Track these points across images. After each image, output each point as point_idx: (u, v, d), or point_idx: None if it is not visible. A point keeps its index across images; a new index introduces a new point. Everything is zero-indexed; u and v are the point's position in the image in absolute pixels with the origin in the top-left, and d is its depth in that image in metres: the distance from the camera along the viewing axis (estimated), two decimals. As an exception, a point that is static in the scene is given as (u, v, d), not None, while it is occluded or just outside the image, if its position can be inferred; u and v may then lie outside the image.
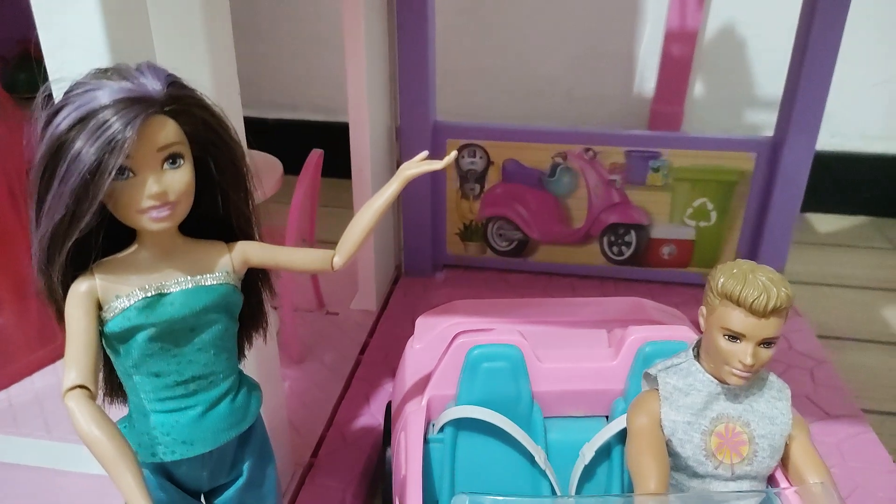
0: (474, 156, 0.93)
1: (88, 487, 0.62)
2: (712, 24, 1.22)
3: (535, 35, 1.28)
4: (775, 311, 0.41)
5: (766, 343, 0.42)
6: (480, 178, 0.94)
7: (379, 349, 0.82)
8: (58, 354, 0.79)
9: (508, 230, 0.96)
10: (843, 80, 1.12)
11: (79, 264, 0.34)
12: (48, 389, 0.74)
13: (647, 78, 1.27)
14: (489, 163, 0.93)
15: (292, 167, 0.86)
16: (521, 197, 0.94)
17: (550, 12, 1.26)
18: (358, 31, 0.79)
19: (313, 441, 0.69)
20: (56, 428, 0.68)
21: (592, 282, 0.96)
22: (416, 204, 0.95)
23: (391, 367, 0.78)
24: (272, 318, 0.45)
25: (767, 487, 0.45)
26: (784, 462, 0.46)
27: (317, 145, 0.83)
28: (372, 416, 0.72)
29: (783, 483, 0.45)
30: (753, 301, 0.41)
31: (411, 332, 0.63)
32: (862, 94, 1.23)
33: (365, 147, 0.85)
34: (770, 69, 1.22)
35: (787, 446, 0.46)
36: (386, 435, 0.61)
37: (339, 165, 0.96)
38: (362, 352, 0.83)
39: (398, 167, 0.42)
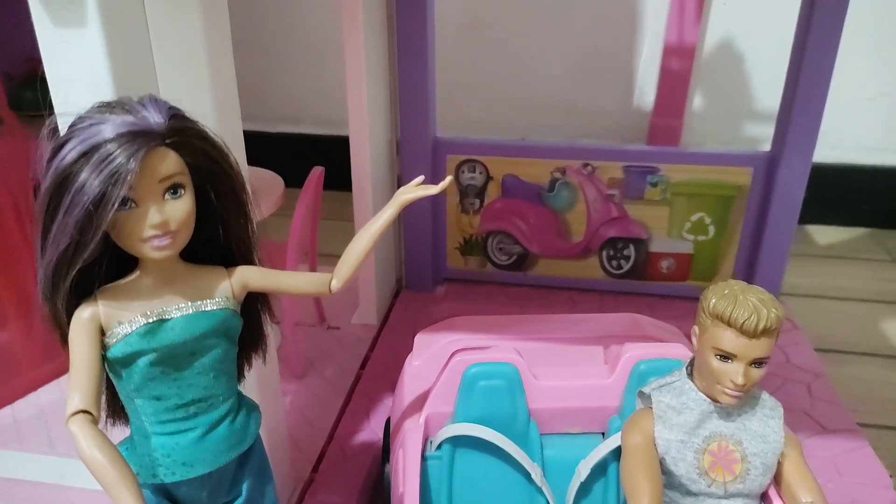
0: (474, 171, 0.94)
1: (91, 503, 0.63)
2: (710, 39, 1.23)
3: (535, 49, 1.29)
4: (766, 332, 0.42)
5: (758, 363, 0.43)
6: (480, 192, 0.95)
7: (379, 363, 0.83)
8: (62, 370, 0.80)
9: (508, 244, 0.97)
10: (841, 93, 1.13)
11: (82, 291, 0.35)
12: (53, 405, 0.74)
13: (646, 91, 1.28)
14: (489, 178, 0.94)
15: (294, 180, 0.87)
16: (521, 211, 0.95)
17: (550, 27, 1.27)
18: (358, 46, 0.80)
19: (314, 456, 0.70)
20: (59, 443, 0.69)
21: (592, 295, 0.97)
22: (416, 218, 0.96)
23: (391, 382, 0.79)
24: (273, 333, 0.46)
25: (759, 505, 0.45)
26: (777, 480, 0.47)
27: (319, 158, 0.84)
28: (372, 430, 0.73)
29: (776, 501, 0.46)
30: (744, 322, 0.42)
31: (412, 347, 0.64)
32: (860, 106, 1.24)
33: (365, 161, 0.86)
34: (769, 82, 1.23)
35: (779, 464, 0.46)
36: (385, 451, 0.62)
37: (341, 178, 0.97)
38: (363, 366, 0.84)
39: (398, 181, 0.43)
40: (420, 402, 0.56)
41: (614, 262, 0.96)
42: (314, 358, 0.84)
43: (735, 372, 0.43)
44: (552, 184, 0.92)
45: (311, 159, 0.85)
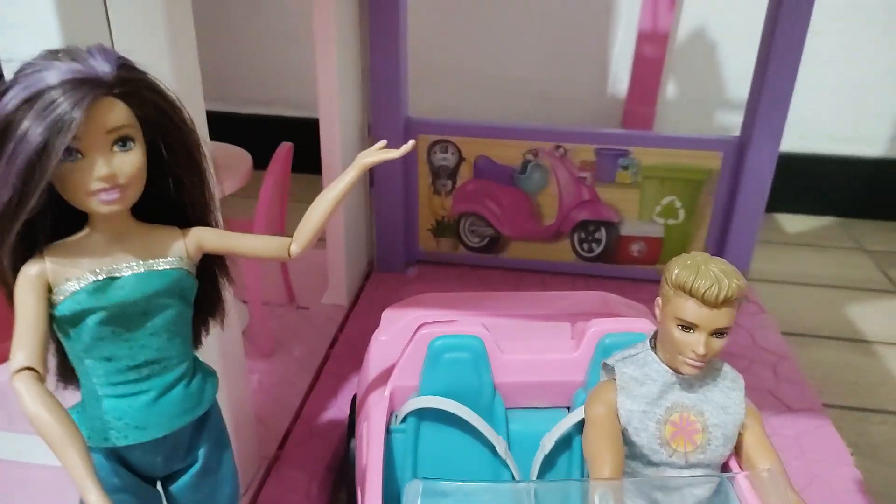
0: (446, 152, 0.93)
1: (51, 479, 0.62)
2: (683, 27, 1.24)
3: (510, 35, 1.29)
4: (727, 302, 0.42)
5: (719, 333, 0.43)
6: (452, 174, 0.94)
7: (349, 343, 0.82)
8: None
9: (480, 226, 0.97)
10: (811, 84, 1.15)
11: (29, 247, 0.34)
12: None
13: (620, 79, 1.28)
14: (461, 159, 0.93)
15: (263, 162, 0.86)
16: (493, 193, 0.94)
17: (525, 13, 1.27)
18: (329, 27, 0.79)
19: (280, 434, 0.69)
20: (20, 420, 0.67)
21: (563, 278, 0.97)
22: (388, 200, 0.95)
23: (360, 362, 0.78)
24: (241, 312, 0.45)
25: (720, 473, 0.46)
26: (737, 450, 0.47)
27: (290, 140, 0.83)
28: (339, 409, 0.72)
29: (736, 470, 0.46)
30: (706, 291, 0.42)
31: (378, 327, 0.64)
32: (830, 97, 1.25)
33: (336, 143, 0.85)
34: (740, 70, 1.24)
35: (740, 435, 0.46)
36: (351, 427, 0.61)
37: (312, 161, 0.96)
38: (332, 346, 0.83)
39: (357, 156, 0.42)
40: (385, 376, 0.56)
41: (585, 245, 0.96)
42: (283, 337, 0.84)
43: (696, 342, 0.43)
44: (524, 166, 0.92)
45: (279, 141, 0.84)
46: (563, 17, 1.26)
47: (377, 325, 0.64)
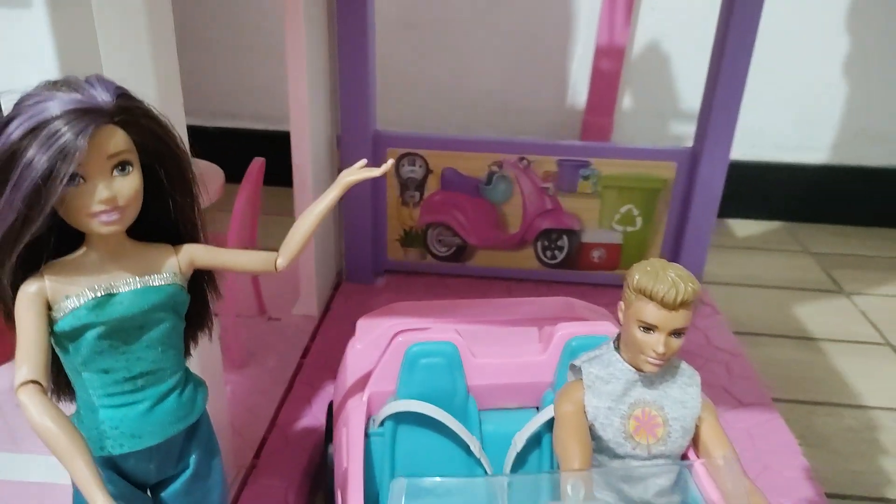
0: (414, 164, 0.96)
1: (26, 494, 0.62)
2: (639, 41, 1.29)
3: (472, 49, 1.32)
4: (683, 304, 0.46)
5: (677, 333, 0.47)
6: (420, 185, 0.97)
7: (321, 353, 0.84)
8: (6, 358, 0.78)
9: (447, 236, 1.00)
10: (758, 95, 1.21)
11: (28, 267, 0.35)
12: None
13: (578, 91, 1.33)
14: (428, 171, 0.96)
15: (233, 175, 0.87)
16: (460, 204, 0.97)
17: (486, 27, 1.30)
18: (299, 43, 0.81)
19: (255, 443, 0.70)
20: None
21: (528, 285, 1.01)
22: (357, 211, 0.97)
23: (333, 371, 0.80)
24: (215, 321, 0.46)
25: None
26: (695, 442, 0.51)
27: (257, 154, 0.84)
28: (314, 417, 0.74)
29: (693, 459, 0.49)
30: (664, 294, 0.45)
31: (353, 336, 0.66)
32: (775, 108, 1.32)
33: (306, 156, 0.87)
34: (693, 82, 1.30)
35: (697, 427, 0.50)
36: (328, 433, 0.63)
37: (279, 174, 0.98)
38: (304, 356, 0.85)
39: (339, 175, 0.44)
40: (363, 382, 0.58)
41: (549, 253, 0.99)
42: (255, 348, 0.85)
43: (657, 342, 0.46)
44: (490, 177, 0.96)
45: (249, 154, 0.85)
46: (524, 32, 1.30)
47: (349, 334, 0.67)
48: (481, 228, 0.98)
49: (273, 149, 0.99)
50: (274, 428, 0.72)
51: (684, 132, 1.34)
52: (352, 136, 0.93)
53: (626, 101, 1.33)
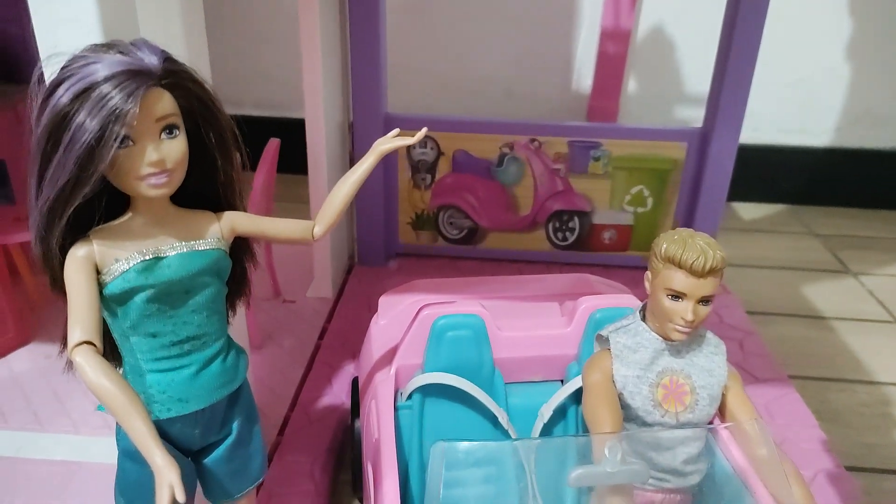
0: (425, 146, 0.96)
1: (50, 473, 0.62)
2: (644, 25, 1.30)
3: (477, 35, 1.32)
4: (712, 272, 0.46)
5: (705, 301, 0.47)
6: (431, 168, 0.97)
7: (338, 333, 0.85)
8: (8, 348, 0.78)
9: (459, 218, 1.00)
10: (761, 79, 1.21)
11: (76, 232, 0.36)
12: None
13: (584, 75, 1.33)
14: (440, 153, 0.96)
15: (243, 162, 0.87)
16: (471, 186, 0.98)
17: (491, 13, 1.31)
18: (314, 31, 0.81)
19: (278, 421, 0.71)
20: (16, 418, 0.67)
21: (539, 266, 1.01)
22: (368, 194, 0.97)
23: (351, 350, 0.81)
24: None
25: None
26: (721, 410, 0.51)
27: (262, 141, 0.84)
28: (335, 396, 0.74)
29: (720, 426, 0.50)
30: (693, 262, 0.46)
31: (368, 318, 0.66)
32: (779, 92, 1.33)
33: (321, 141, 0.87)
34: (696, 67, 1.31)
35: (723, 396, 0.51)
36: (354, 408, 0.64)
37: (290, 161, 0.97)
38: (321, 337, 0.85)
39: (351, 160, 0.45)
40: (389, 356, 0.59)
41: (560, 234, 1.00)
42: (272, 330, 0.85)
43: (685, 309, 0.47)
44: (501, 159, 0.96)
45: (257, 141, 0.85)
46: (529, 17, 1.30)
47: (364, 316, 0.67)
48: (493, 210, 0.99)
49: (277, 135, 0.99)
50: (296, 406, 0.73)
51: (689, 116, 1.34)
52: (364, 120, 0.93)
53: (631, 85, 1.34)
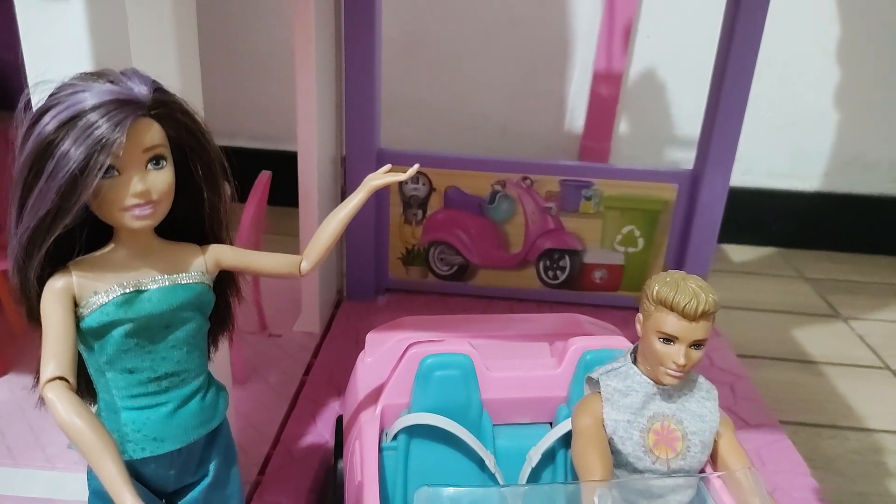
0: (417, 182, 0.96)
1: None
2: (636, 68, 1.31)
3: (472, 73, 1.34)
4: (704, 315, 0.46)
5: (697, 345, 0.47)
6: (423, 204, 0.97)
7: (324, 369, 0.83)
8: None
9: (449, 255, 0.99)
10: (752, 123, 1.23)
11: (55, 263, 0.35)
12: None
13: (576, 116, 1.35)
14: (432, 189, 0.96)
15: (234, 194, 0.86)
16: (462, 223, 0.97)
17: (487, 52, 1.32)
18: (309, 65, 0.81)
19: (260, 459, 0.69)
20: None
21: (529, 305, 1.00)
22: (359, 228, 0.97)
23: (336, 387, 0.79)
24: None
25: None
26: (713, 457, 0.50)
27: (254, 173, 0.84)
28: (319, 434, 0.73)
29: (712, 474, 0.49)
30: (685, 305, 0.45)
31: (356, 354, 0.65)
32: (769, 135, 1.34)
33: (312, 175, 0.87)
34: (687, 110, 1.32)
35: (715, 443, 0.50)
36: (337, 448, 0.62)
37: (276, 193, 0.97)
38: (306, 372, 0.84)
39: (342, 194, 0.44)
40: (375, 395, 0.57)
41: (550, 273, 0.99)
42: (257, 365, 0.84)
43: (677, 353, 0.46)
44: (493, 196, 0.96)
45: (246, 173, 0.85)
46: (524, 57, 1.32)
47: (351, 351, 0.66)
48: (484, 247, 0.98)
49: (268, 168, 0.98)
50: (278, 444, 0.71)
51: (679, 158, 1.35)
52: (356, 154, 0.93)
53: (622, 126, 1.35)
